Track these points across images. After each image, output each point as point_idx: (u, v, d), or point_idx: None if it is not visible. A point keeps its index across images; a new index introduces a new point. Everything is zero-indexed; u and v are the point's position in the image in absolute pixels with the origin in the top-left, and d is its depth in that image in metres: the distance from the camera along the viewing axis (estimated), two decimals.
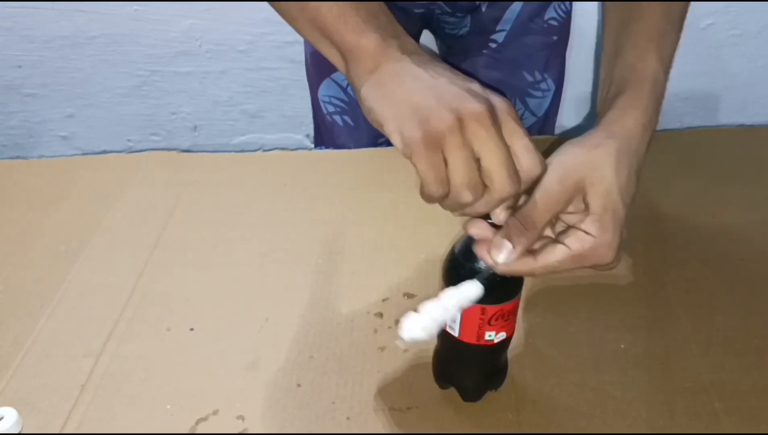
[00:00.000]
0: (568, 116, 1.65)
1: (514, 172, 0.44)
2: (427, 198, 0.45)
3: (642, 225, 0.77)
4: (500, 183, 0.44)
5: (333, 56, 0.52)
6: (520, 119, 0.45)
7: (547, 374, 0.61)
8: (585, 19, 1.52)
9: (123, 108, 1.65)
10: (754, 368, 0.60)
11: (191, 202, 0.85)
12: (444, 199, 0.45)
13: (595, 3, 1.49)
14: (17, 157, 1.43)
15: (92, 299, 0.72)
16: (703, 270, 0.71)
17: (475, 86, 0.46)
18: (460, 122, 0.43)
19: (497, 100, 0.45)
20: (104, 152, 1.00)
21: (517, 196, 0.47)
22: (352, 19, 0.49)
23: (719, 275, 0.70)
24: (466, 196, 0.44)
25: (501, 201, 0.45)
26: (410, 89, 0.46)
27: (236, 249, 0.77)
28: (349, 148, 0.96)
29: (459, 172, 0.43)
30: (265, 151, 0.96)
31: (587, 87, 1.60)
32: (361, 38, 0.49)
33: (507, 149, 0.44)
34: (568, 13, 0.92)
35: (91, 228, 0.82)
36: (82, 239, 0.80)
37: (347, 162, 0.91)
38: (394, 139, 0.45)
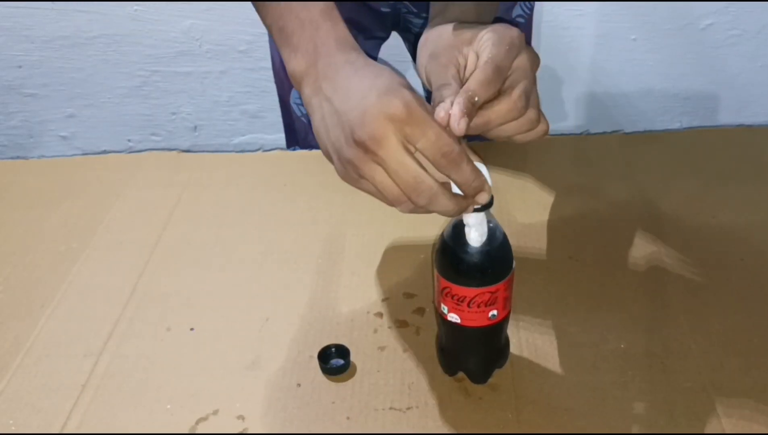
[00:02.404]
0: (568, 116, 1.65)
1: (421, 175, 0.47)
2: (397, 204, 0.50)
3: (642, 225, 0.78)
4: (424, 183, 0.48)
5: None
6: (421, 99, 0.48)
7: (547, 374, 0.61)
8: (582, 20, 1.52)
9: (123, 108, 1.65)
10: (754, 368, 0.60)
11: (191, 202, 0.86)
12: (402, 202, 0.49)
13: (593, 4, 1.49)
14: (17, 157, 1.43)
15: (92, 299, 0.72)
16: (702, 270, 0.71)
17: (382, 84, 0.48)
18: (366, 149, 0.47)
19: (399, 98, 0.46)
20: (104, 152, 1.00)
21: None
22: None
23: (719, 275, 0.70)
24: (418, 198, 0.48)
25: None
26: (319, 122, 0.52)
27: (236, 249, 0.78)
28: None
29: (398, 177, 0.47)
30: (265, 151, 0.96)
31: (586, 87, 1.61)
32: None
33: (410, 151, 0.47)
34: (532, 9, 0.94)
35: (91, 228, 0.82)
36: (82, 239, 0.80)
37: None
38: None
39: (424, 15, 0.91)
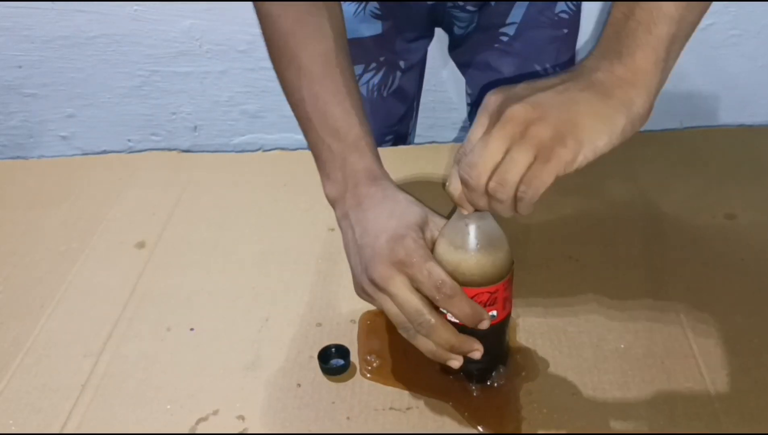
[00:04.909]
0: None
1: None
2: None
3: (642, 225, 0.77)
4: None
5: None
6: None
7: (547, 374, 0.61)
8: (582, 20, 1.52)
9: (123, 108, 1.65)
10: (754, 368, 0.60)
11: (191, 202, 0.86)
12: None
13: (594, 4, 1.49)
14: (17, 157, 1.43)
15: (92, 299, 0.72)
16: (703, 270, 0.71)
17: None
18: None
19: (402, 246, 0.54)
20: (104, 152, 1.00)
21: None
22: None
23: (719, 275, 0.70)
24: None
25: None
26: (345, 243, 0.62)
27: (236, 249, 0.78)
28: None
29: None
30: (265, 151, 0.96)
31: None
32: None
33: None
34: (578, 7, 0.92)
35: (91, 228, 0.82)
36: (82, 239, 0.80)
37: None
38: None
39: (469, 9, 0.89)
